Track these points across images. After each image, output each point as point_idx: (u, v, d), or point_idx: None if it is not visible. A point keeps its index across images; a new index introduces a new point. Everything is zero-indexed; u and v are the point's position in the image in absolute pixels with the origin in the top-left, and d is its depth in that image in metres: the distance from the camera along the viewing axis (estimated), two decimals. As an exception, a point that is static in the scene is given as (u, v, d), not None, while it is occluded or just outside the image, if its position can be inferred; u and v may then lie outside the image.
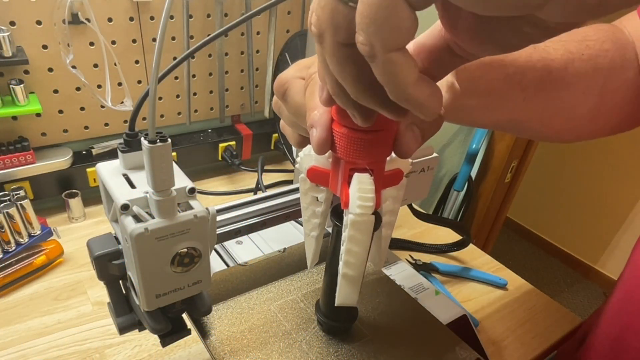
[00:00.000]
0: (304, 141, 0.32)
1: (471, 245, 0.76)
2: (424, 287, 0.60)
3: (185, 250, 0.33)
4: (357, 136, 0.26)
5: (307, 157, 0.31)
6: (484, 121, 0.40)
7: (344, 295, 0.32)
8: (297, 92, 0.29)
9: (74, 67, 0.67)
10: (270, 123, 0.93)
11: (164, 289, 0.34)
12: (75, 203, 0.72)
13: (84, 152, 0.76)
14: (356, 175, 0.27)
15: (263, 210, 0.47)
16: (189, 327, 0.41)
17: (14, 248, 0.61)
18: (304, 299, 0.48)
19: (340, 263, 0.31)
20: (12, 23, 0.61)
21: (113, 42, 0.70)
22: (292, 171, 0.90)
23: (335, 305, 0.32)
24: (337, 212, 0.35)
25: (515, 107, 0.38)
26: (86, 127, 0.75)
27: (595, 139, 0.49)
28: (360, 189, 0.27)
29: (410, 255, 0.72)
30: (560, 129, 0.44)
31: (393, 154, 0.27)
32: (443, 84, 0.28)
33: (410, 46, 0.23)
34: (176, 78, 0.80)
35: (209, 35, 0.68)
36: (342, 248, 0.30)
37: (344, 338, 0.44)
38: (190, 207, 0.33)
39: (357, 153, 0.26)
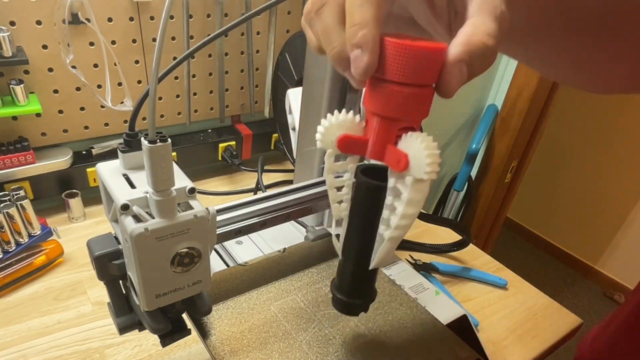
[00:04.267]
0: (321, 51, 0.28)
1: (471, 245, 0.76)
2: (424, 287, 0.60)
3: (185, 250, 0.33)
4: (417, 92, 0.25)
5: (333, 127, 0.29)
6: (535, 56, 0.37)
7: (383, 258, 0.31)
8: (331, 14, 0.25)
9: (74, 67, 0.67)
10: (270, 123, 0.93)
11: (164, 289, 0.34)
12: (75, 203, 0.72)
13: (84, 152, 0.76)
14: (417, 135, 0.26)
15: (263, 210, 0.47)
16: (189, 327, 0.41)
17: (14, 248, 0.61)
18: (304, 299, 0.48)
19: (382, 227, 0.30)
20: (12, 23, 0.61)
21: (113, 42, 0.70)
22: (292, 171, 0.90)
23: (371, 268, 0.32)
24: (369, 173, 0.33)
25: (566, 44, 0.35)
26: (86, 127, 0.75)
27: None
28: (427, 147, 0.25)
29: (410, 255, 0.72)
30: (599, 79, 0.40)
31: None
32: (491, 11, 0.25)
33: None
34: (176, 78, 0.80)
35: (209, 35, 0.68)
36: (387, 212, 0.29)
37: (344, 338, 0.44)
38: (190, 207, 0.33)
39: (415, 109, 0.25)
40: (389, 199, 0.29)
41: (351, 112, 0.29)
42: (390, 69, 0.24)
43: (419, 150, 0.26)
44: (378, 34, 0.24)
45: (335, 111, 0.29)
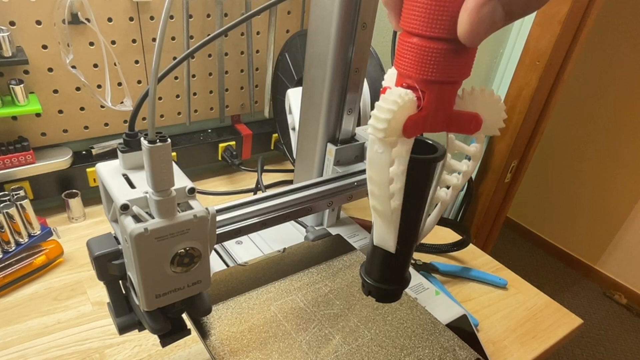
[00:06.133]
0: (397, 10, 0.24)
1: (471, 245, 0.76)
2: (424, 287, 0.60)
3: (185, 250, 0.33)
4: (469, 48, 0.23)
5: (400, 112, 0.24)
6: None
7: (427, 232, 0.31)
8: None
9: (73, 67, 0.67)
10: (270, 123, 0.93)
11: (163, 289, 0.34)
12: (75, 203, 0.72)
13: (84, 152, 0.76)
14: (487, 91, 0.25)
15: (263, 210, 0.47)
16: (189, 327, 0.41)
17: (14, 248, 0.61)
18: (304, 299, 0.48)
19: (440, 190, 0.30)
20: (12, 23, 0.61)
21: (113, 42, 0.70)
22: (292, 171, 0.90)
23: (420, 242, 0.32)
24: (415, 148, 0.28)
25: None
26: (86, 127, 0.74)
27: None
28: (499, 101, 0.25)
29: (410, 255, 0.72)
30: None
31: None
32: None
33: None
34: (176, 78, 0.80)
35: (209, 35, 0.68)
36: (435, 184, 0.29)
37: (344, 338, 0.44)
38: (190, 207, 0.33)
39: (469, 66, 0.24)
40: (448, 165, 0.29)
41: (407, 91, 0.24)
42: (446, 25, 0.22)
43: (492, 107, 0.25)
44: None
45: (388, 90, 0.25)
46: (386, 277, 0.34)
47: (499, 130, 0.25)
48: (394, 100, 0.24)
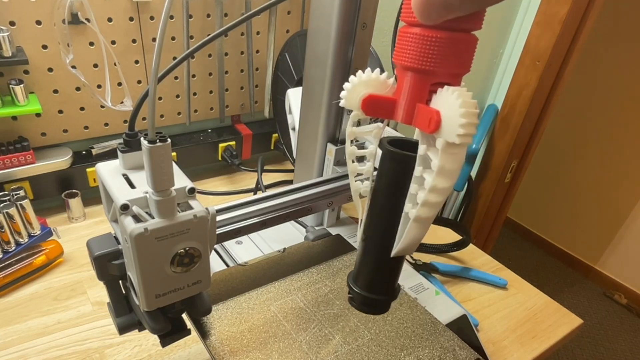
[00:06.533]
0: None
1: (471, 245, 0.76)
2: (424, 287, 0.60)
3: (185, 250, 0.33)
4: (458, 37, 0.22)
5: (359, 86, 0.25)
6: None
7: (408, 243, 0.27)
8: None
9: (73, 67, 0.67)
10: (270, 123, 0.93)
11: (163, 289, 0.34)
12: (75, 203, 0.72)
13: (83, 152, 0.76)
14: (454, 89, 0.22)
15: (263, 210, 0.47)
16: (189, 327, 0.41)
17: (13, 248, 0.61)
18: (304, 299, 0.48)
19: (408, 205, 0.26)
20: (12, 23, 0.61)
21: (113, 42, 0.70)
22: (292, 171, 0.90)
23: (393, 254, 0.28)
24: (396, 145, 0.28)
25: None
26: (86, 127, 0.74)
27: None
28: (464, 104, 0.21)
29: (410, 255, 0.72)
30: None
31: None
32: None
33: None
34: (176, 78, 0.80)
35: (208, 35, 0.68)
36: (415, 186, 0.26)
37: (344, 338, 0.44)
38: (190, 207, 0.33)
39: (453, 58, 0.22)
40: (417, 170, 0.25)
41: (374, 71, 0.26)
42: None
43: (453, 106, 0.22)
44: None
45: (367, 69, 0.26)
46: (359, 280, 0.33)
47: (457, 138, 0.22)
48: (355, 75, 0.25)
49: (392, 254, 0.28)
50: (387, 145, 0.28)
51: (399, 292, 0.34)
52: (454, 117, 0.22)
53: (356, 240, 0.64)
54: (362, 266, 0.32)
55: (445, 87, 0.23)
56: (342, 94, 0.26)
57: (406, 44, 0.23)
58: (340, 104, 0.27)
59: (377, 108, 0.26)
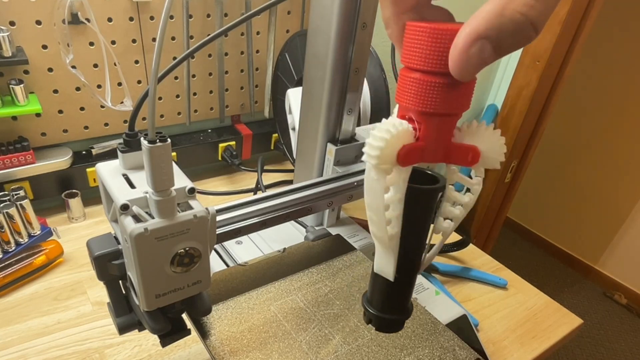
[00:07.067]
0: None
1: (471, 245, 0.76)
2: (424, 287, 0.60)
3: (185, 250, 0.33)
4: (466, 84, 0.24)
5: (393, 141, 0.25)
6: None
7: (427, 262, 0.32)
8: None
9: (73, 67, 0.67)
10: (270, 123, 0.93)
11: (163, 289, 0.34)
12: (75, 203, 0.72)
13: (83, 152, 0.76)
14: (487, 127, 0.26)
15: (263, 210, 0.47)
16: (189, 327, 0.41)
17: (13, 248, 0.61)
18: (304, 299, 0.48)
19: (440, 219, 0.31)
20: (12, 23, 0.61)
21: (113, 42, 0.70)
22: (292, 171, 0.90)
23: (422, 270, 0.32)
24: (416, 179, 0.28)
25: None
26: (86, 127, 0.75)
27: None
28: (500, 138, 0.26)
29: (410, 255, 0.72)
30: None
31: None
32: None
33: None
34: (176, 78, 0.80)
35: (209, 35, 0.68)
36: (439, 218, 0.30)
37: (344, 338, 0.44)
38: (190, 207, 0.33)
39: (468, 99, 0.24)
40: (445, 205, 0.30)
41: (402, 121, 0.25)
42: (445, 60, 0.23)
43: (492, 141, 0.26)
44: (398, 29, 0.24)
45: (384, 120, 0.25)
46: (387, 306, 0.33)
47: (498, 165, 0.26)
48: (387, 129, 0.25)
49: (422, 269, 0.32)
50: (410, 184, 0.28)
51: (412, 311, 0.35)
52: (495, 150, 0.26)
53: (356, 240, 0.65)
54: (393, 290, 0.33)
55: (475, 124, 0.26)
56: (373, 153, 0.25)
57: (432, 93, 0.24)
58: (372, 163, 0.25)
59: (411, 158, 0.26)
